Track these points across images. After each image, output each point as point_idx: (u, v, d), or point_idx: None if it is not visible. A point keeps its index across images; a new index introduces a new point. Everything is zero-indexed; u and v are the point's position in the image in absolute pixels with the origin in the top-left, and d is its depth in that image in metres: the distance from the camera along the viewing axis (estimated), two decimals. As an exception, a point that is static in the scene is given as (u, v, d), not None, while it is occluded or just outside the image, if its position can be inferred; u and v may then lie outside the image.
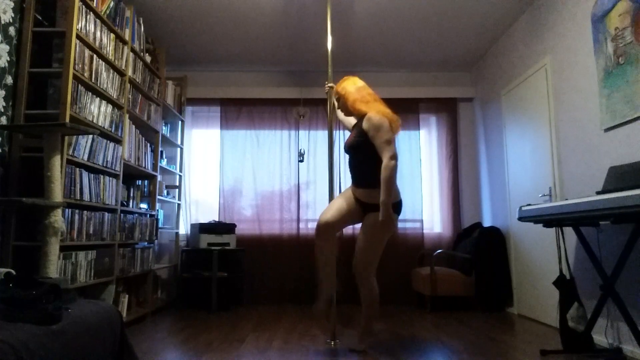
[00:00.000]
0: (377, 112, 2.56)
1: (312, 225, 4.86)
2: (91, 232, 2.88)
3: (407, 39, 4.35)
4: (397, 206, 2.57)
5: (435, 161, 5.11)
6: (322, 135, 4.98)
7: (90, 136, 2.85)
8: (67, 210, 2.62)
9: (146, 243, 3.90)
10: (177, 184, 4.77)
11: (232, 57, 4.76)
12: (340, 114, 3.00)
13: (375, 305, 2.68)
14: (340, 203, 2.67)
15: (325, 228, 2.60)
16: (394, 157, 2.44)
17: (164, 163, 4.32)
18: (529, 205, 2.74)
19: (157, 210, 4.18)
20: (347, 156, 2.72)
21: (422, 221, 4.88)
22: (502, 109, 4.27)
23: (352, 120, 2.91)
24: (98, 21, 2.98)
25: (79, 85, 2.76)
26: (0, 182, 2.53)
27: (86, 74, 2.82)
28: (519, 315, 3.90)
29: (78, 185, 2.72)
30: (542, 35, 3.57)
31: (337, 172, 4.89)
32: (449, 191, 4.96)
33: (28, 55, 2.68)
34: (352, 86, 2.72)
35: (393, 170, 2.43)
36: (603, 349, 2.66)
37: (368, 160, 2.55)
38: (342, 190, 2.68)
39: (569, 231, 3.16)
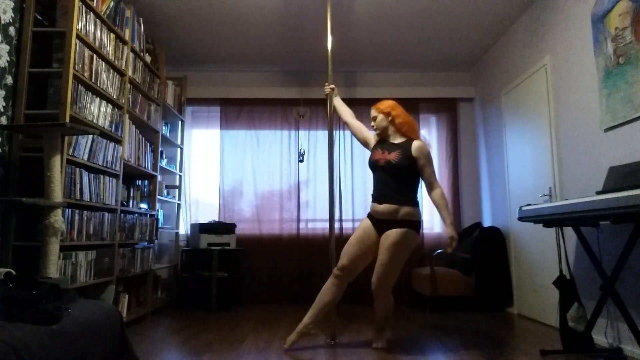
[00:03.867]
0: (422, 142, 2.78)
1: (312, 226, 4.87)
2: (91, 232, 2.88)
3: (407, 39, 4.35)
4: (420, 223, 2.77)
5: (435, 161, 5.10)
6: (322, 135, 4.98)
7: (90, 136, 2.85)
8: (67, 210, 2.62)
9: (146, 243, 3.90)
10: (177, 184, 4.77)
11: (232, 57, 4.76)
12: (356, 126, 3.09)
13: (389, 317, 2.82)
14: (357, 248, 2.78)
15: (343, 272, 2.78)
16: None
17: (164, 163, 4.32)
18: (529, 205, 2.74)
19: (157, 210, 4.18)
20: (377, 171, 2.80)
21: (422, 221, 4.87)
22: (502, 109, 4.27)
23: (367, 135, 3.01)
24: (98, 21, 2.98)
25: (79, 85, 2.76)
26: (0, 182, 2.53)
27: (86, 74, 2.82)
28: (519, 315, 3.90)
29: (78, 185, 2.72)
30: (542, 35, 3.57)
31: (337, 172, 4.89)
32: (449, 191, 4.95)
33: (28, 55, 2.68)
34: (400, 108, 2.88)
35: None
36: (603, 349, 2.66)
37: (408, 181, 2.74)
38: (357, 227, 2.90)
39: (569, 231, 3.16)
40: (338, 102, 3.20)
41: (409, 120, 2.84)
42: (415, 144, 2.72)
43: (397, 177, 2.71)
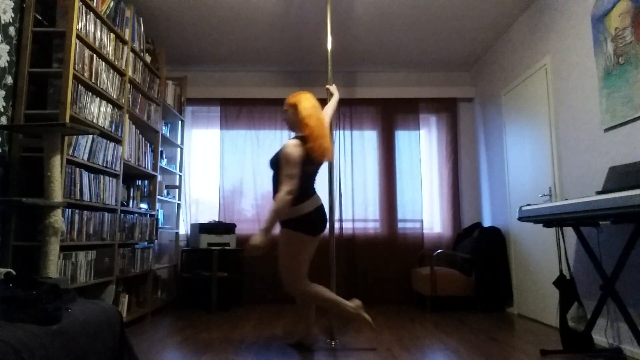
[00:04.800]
0: (294, 143, 2.56)
1: (312, 225, 4.86)
2: (91, 232, 2.88)
3: (407, 39, 4.35)
4: (300, 222, 2.58)
5: (435, 161, 5.11)
6: (322, 135, 4.97)
7: (90, 136, 2.85)
8: (67, 210, 2.62)
9: (146, 243, 3.90)
10: (177, 184, 4.77)
11: (232, 57, 4.76)
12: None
13: (326, 302, 2.66)
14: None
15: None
16: (290, 192, 2.48)
17: (164, 163, 4.32)
18: (529, 205, 2.74)
19: (157, 210, 4.18)
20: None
21: (422, 221, 4.88)
22: (502, 109, 4.27)
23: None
24: (98, 21, 2.98)
25: (79, 85, 2.76)
26: (0, 182, 2.53)
27: (86, 74, 2.82)
28: (519, 315, 3.90)
29: (78, 185, 2.72)
30: (542, 35, 3.57)
31: (337, 172, 4.89)
32: (449, 191, 4.96)
33: (28, 55, 2.68)
34: (310, 102, 2.69)
35: (284, 205, 2.47)
36: (603, 349, 2.66)
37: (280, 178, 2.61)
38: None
39: (569, 231, 3.16)
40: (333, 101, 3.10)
41: (311, 115, 2.60)
42: (284, 144, 2.60)
43: (275, 174, 2.68)
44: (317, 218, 2.60)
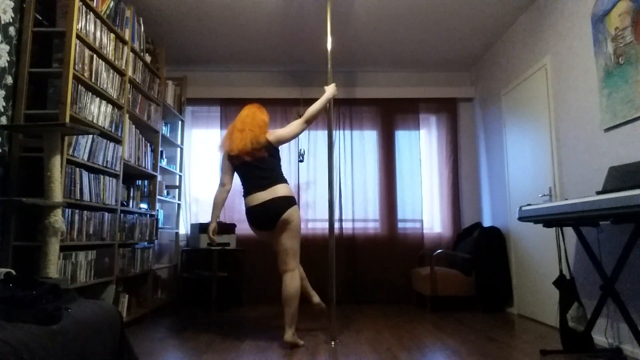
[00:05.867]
0: None
1: (312, 226, 4.87)
2: (91, 232, 2.88)
3: (407, 39, 4.35)
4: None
5: (435, 161, 5.11)
6: (322, 135, 4.98)
7: (90, 136, 2.85)
8: (67, 210, 2.62)
9: (146, 243, 3.90)
10: (177, 184, 4.77)
11: (232, 57, 4.76)
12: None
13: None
14: None
15: None
16: (220, 183, 3.06)
17: (164, 163, 4.32)
18: (529, 205, 2.74)
19: (157, 210, 4.18)
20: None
21: (422, 221, 4.88)
22: (502, 109, 4.27)
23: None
24: (98, 21, 2.98)
25: (79, 85, 2.76)
26: (0, 182, 2.53)
27: (86, 74, 2.82)
28: (519, 315, 3.90)
29: (78, 185, 2.72)
30: (542, 35, 3.57)
31: (337, 172, 4.89)
32: (449, 191, 4.96)
33: (28, 55, 2.68)
34: (239, 116, 3.11)
35: (216, 193, 3.05)
36: (603, 349, 2.66)
37: None
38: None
39: (569, 231, 3.16)
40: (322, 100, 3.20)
41: (230, 127, 3.14)
42: None
43: None
44: (249, 217, 2.93)
